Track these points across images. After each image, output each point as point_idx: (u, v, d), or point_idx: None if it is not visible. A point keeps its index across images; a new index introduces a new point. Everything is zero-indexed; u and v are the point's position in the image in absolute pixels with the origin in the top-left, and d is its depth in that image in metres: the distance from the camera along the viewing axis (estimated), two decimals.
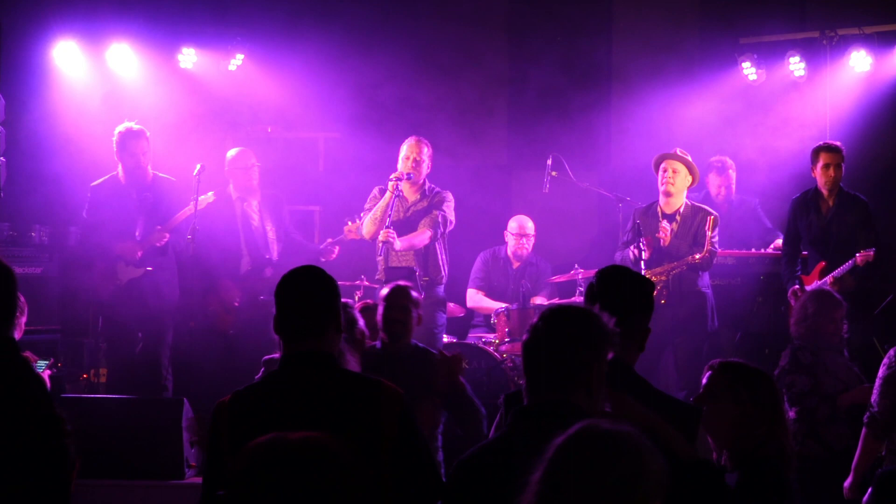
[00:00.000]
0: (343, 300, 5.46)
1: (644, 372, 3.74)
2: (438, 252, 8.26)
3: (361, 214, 8.24)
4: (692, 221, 8.04)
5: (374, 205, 8.26)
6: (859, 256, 7.69)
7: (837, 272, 7.76)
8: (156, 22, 9.53)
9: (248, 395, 3.44)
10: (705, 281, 8.04)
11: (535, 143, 10.07)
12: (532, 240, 9.16)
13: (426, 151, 8.26)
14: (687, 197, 8.22)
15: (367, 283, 8.50)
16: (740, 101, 9.81)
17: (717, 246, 7.94)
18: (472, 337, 8.82)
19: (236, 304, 8.22)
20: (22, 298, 5.78)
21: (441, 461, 5.98)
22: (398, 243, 8.04)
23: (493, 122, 10.66)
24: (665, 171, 8.07)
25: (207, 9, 9.90)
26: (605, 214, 9.43)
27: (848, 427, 6.14)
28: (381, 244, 8.01)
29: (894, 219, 8.94)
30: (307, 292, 3.48)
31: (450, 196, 8.34)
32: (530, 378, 3.01)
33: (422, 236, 8.18)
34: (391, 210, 8.07)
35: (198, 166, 8.10)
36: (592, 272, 7.99)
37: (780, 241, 8.54)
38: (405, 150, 8.25)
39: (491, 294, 9.09)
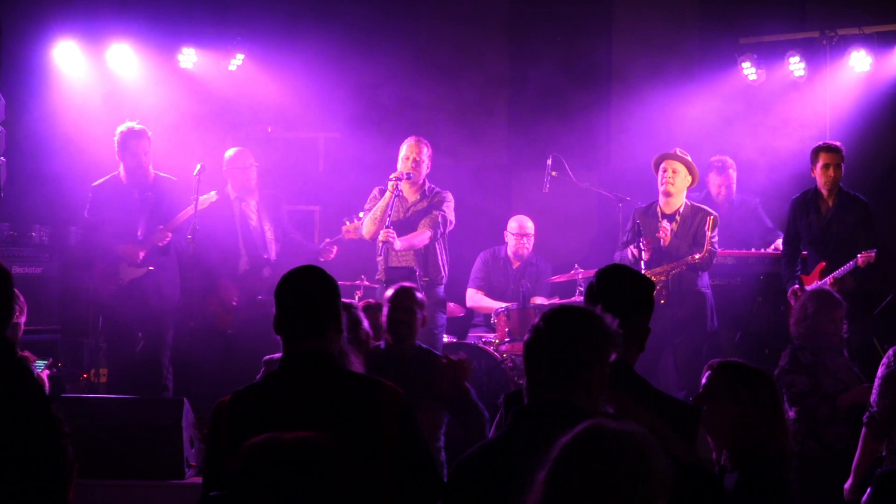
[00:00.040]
0: (347, 301, 5.49)
1: (644, 372, 3.74)
2: (438, 252, 8.27)
3: (360, 214, 8.23)
4: (692, 221, 8.04)
5: (374, 205, 8.26)
6: (861, 257, 7.68)
7: (838, 273, 7.76)
8: (156, 22, 9.53)
9: (248, 395, 3.44)
10: (705, 281, 8.04)
11: (535, 143, 10.07)
12: (532, 239, 9.17)
13: (426, 151, 8.26)
14: (687, 197, 8.22)
15: (367, 283, 8.51)
16: (740, 101, 9.81)
17: (716, 246, 7.94)
18: (472, 337, 8.82)
19: (234, 303, 8.22)
20: (21, 298, 5.78)
21: (443, 461, 5.99)
22: (398, 243, 8.04)
23: (493, 122, 10.66)
24: (665, 171, 8.07)
25: (207, 9, 9.90)
26: (605, 214, 9.43)
27: (848, 427, 6.14)
28: (380, 244, 8.02)
29: (894, 219, 8.94)
30: (307, 292, 3.48)
31: (450, 196, 8.34)
32: (531, 378, 3.02)
33: (422, 236, 8.18)
34: (391, 210, 8.08)
35: (198, 166, 8.10)
36: (592, 272, 7.98)
37: (780, 242, 8.55)
38: (405, 150, 8.26)
39: (491, 294, 9.10)
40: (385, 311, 6.11)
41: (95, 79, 9.62)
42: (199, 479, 6.43)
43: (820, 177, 7.97)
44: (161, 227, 8.02)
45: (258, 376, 5.09)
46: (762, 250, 8.71)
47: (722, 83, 9.88)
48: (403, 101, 9.83)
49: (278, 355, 3.53)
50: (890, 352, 5.49)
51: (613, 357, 3.03)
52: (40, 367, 6.10)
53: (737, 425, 3.58)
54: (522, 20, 10.69)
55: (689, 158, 8.10)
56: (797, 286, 7.92)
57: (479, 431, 5.76)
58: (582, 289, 8.36)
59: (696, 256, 7.81)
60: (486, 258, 9.23)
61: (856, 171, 8.50)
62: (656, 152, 8.20)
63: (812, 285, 7.62)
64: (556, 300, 8.71)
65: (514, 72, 10.68)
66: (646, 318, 3.72)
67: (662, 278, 7.78)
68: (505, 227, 9.26)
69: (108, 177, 8.22)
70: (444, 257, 8.32)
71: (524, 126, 10.52)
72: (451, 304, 8.72)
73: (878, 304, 8.41)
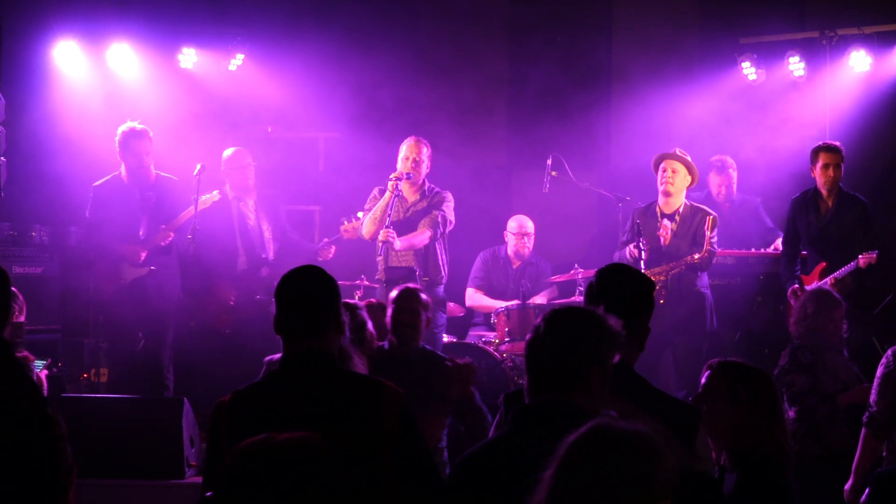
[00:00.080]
0: (352, 302, 5.50)
1: (644, 372, 3.74)
2: (438, 252, 8.27)
3: (359, 214, 8.23)
4: (691, 221, 8.04)
5: (374, 205, 8.27)
6: (862, 259, 7.68)
7: (839, 273, 7.76)
8: (156, 22, 9.53)
9: (248, 395, 3.45)
10: (704, 281, 8.05)
11: (535, 143, 10.08)
12: (532, 239, 9.17)
13: (425, 151, 8.26)
14: (687, 197, 8.23)
15: (367, 283, 8.51)
16: (740, 100, 9.81)
17: (715, 246, 7.94)
18: (472, 336, 8.83)
19: (232, 303, 8.22)
20: (21, 297, 5.79)
21: (445, 461, 5.99)
22: (398, 243, 8.05)
23: (493, 122, 10.67)
24: (664, 170, 8.08)
25: (207, 9, 9.91)
26: (605, 214, 9.43)
27: (847, 426, 6.14)
28: (380, 244, 8.02)
29: (894, 219, 8.94)
30: (307, 292, 3.48)
31: (449, 196, 8.35)
32: (531, 377, 3.03)
33: (421, 236, 8.18)
34: (391, 210, 8.08)
35: (198, 166, 8.11)
36: (592, 272, 7.98)
37: (780, 241, 8.55)
38: (404, 150, 8.26)
39: (491, 294, 9.10)
40: (389, 312, 6.11)
41: (96, 79, 9.62)
42: (199, 479, 6.44)
43: (819, 177, 7.98)
44: (163, 226, 8.03)
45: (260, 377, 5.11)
46: (762, 250, 8.71)
47: (722, 83, 9.89)
48: (403, 101, 9.83)
49: (280, 356, 3.54)
50: (889, 352, 5.49)
51: (617, 358, 3.04)
52: (39, 367, 6.10)
53: (736, 425, 3.58)
54: (522, 20, 10.69)
55: (689, 158, 8.11)
56: (797, 286, 7.92)
57: (481, 435, 5.76)
58: (582, 289, 8.36)
59: (696, 256, 7.81)
60: (486, 258, 9.24)
61: (856, 171, 8.50)
62: (656, 152, 8.20)
63: (812, 285, 7.62)
64: (556, 300, 8.72)
65: (513, 72, 10.68)
66: (646, 317, 3.72)
67: (662, 278, 7.78)
68: (505, 227, 9.26)
69: (109, 177, 8.23)
70: (444, 257, 8.33)
71: (524, 126, 10.52)
72: (451, 304, 8.73)
73: (878, 304, 8.42)
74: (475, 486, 2.99)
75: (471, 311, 9.22)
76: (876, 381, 5.51)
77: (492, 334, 8.65)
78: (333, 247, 8.31)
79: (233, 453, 2.28)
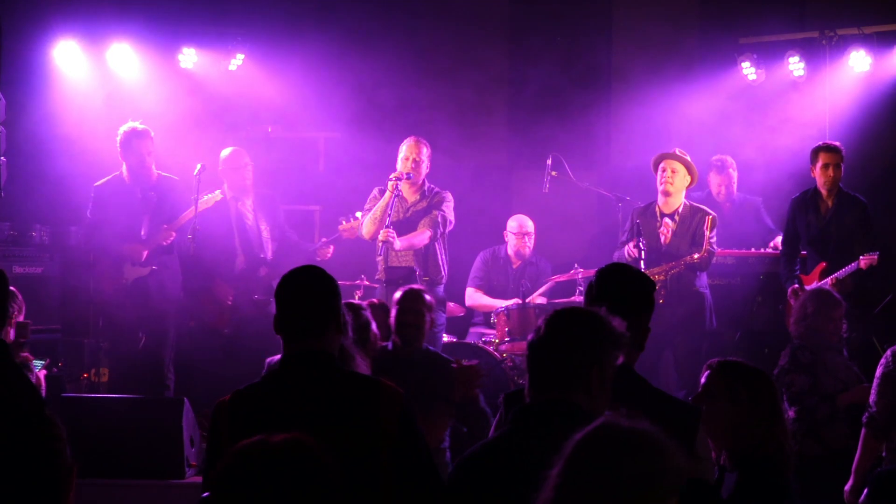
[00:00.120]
0: (357, 302, 5.50)
1: (644, 372, 3.74)
2: (438, 252, 8.28)
3: (357, 214, 8.23)
4: (691, 221, 8.05)
5: (374, 205, 8.27)
6: (863, 260, 7.67)
7: (839, 274, 7.76)
8: (156, 22, 9.53)
9: (248, 395, 3.45)
10: (703, 281, 8.05)
11: (535, 143, 10.08)
12: (533, 238, 9.17)
13: (425, 152, 8.27)
14: (687, 196, 8.23)
15: (367, 283, 8.52)
16: (740, 100, 9.81)
17: (715, 246, 7.94)
18: (472, 335, 8.83)
19: (229, 302, 8.22)
20: (20, 297, 5.79)
21: (448, 462, 5.99)
22: (398, 243, 8.05)
23: (493, 122, 10.67)
24: (664, 170, 8.08)
25: (207, 9, 9.90)
26: (605, 214, 9.43)
27: (847, 426, 6.14)
28: (380, 244, 8.03)
29: (894, 219, 8.94)
30: (307, 292, 3.49)
31: (449, 196, 8.35)
32: (532, 377, 3.04)
33: (421, 236, 8.19)
34: (391, 210, 8.09)
35: (198, 166, 8.11)
36: (592, 272, 7.98)
37: (779, 240, 8.56)
38: (404, 150, 8.27)
39: (491, 293, 9.10)
40: (393, 313, 6.12)
41: (96, 79, 9.63)
42: (199, 479, 6.45)
43: (819, 177, 7.98)
44: (165, 226, 8.03)
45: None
46: (762, 250, 8.71)
47: (722, 83, 9.89)
48: (403, 101, 9.84)
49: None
50: (888, 352, 5.49)
51: (621, 360, 3.06)
52: (38, 368, 6.10)
53: (736, 425, 3.58)
54: (522, 20, 10.70)
55: (689, 158, 8.11)
56: (797, 286, 7.92)
57: (484, 436, 5.76)
58: (582, 289, 8.36)
59: (695, 256, 7.82)
60: (486, 258, 9.24)
61: (855, 171, 8.51)
62: (656, 152, 8.20)
63: (812, 286, 7.62)
64: (556, 300, 8.72)
65: (513, 72, 10.68)
66: (646, 317, 3.73)
67: (661, 278, 7.78)
68: (505, 227, 9.26)
69: (110, 176, 8.23)
70: (444, 257, 8.33)
71: (524, 126, 10.53)
72: (450, 304, 8.74)
73: (878, 304, 8.42)
74: (475, 486, 3.00)
75: (471, 311, 9.22)
76: (875, 382, 5.51)
77: (491, 332, 8.66)
78: (332, 246, 8.32)
79: (228, 455, 2.28)
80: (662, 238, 7.98)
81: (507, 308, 8.42)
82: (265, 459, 2.22)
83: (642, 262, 7.63)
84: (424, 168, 8.27)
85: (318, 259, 8.14)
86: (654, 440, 2.23)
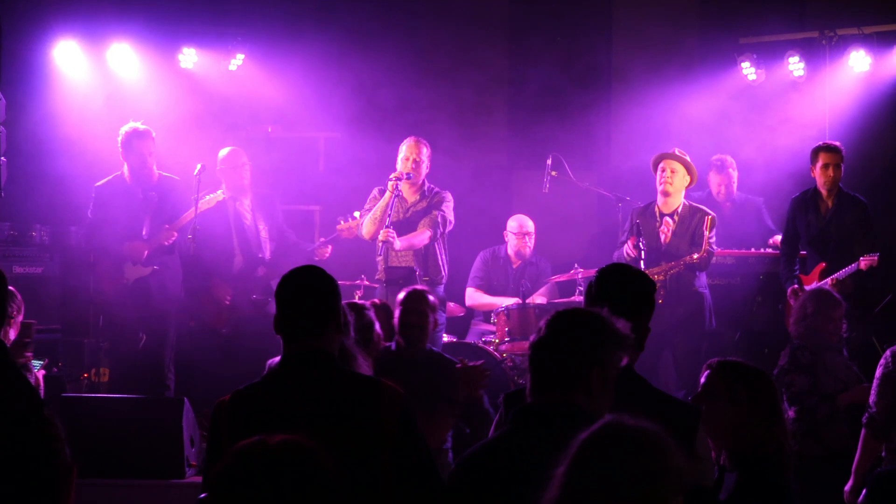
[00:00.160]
0: (360, 302, 5.50)
1: (644, 372, 3.74)
2: (438, 252, 8.28)
3: (355, 213, 8.23)
4: (690, 221, 8.05)
5: (374, 205, 8.28)
6: (863, 261, 7.67)
7: (839, 274, 7.76)
8: (156, 22, 9.53)
9: (248, 395, 3.45)
10: (702, 281, 8.05)
11: (535, 143, 10.08)
12: (533, 238, 9.17)
13: (425, 152, 8.27)
14: (688, 196, 8.24)
15: (367, 283, 8.52)
16: (740, 100, 9.81)
17: (714, 246, 7.94)
18: (473, 335, 8.84)
19: (227, 302, 8.23)
20: (19, 297, 5.78)
21: (450, 463, 5.99)
22: (398, 243, 8.06)
23: (493, 122, 10.67)
24: (663, 170, 8.08)
25: (207, 9, 9.91)
26: (605, 214, 9.43)
27: (847, 426, 6.14)
28: (380, 244, 8.03)
29: (894, 219, 8.94)
30: (307, 292, 3.49)
31: (449, 196, 8.36)
32: (533, 377, 3.05)
33: (421, 236, 8.19)
34: (391, 210, 8.09)
35: (198, 166, 8.12)
36: (592, 272, 8.00)
37: (778, 238, 8.57)
38: (404, 150, 8.27)
39: (491, 293, 9.10)
40: (397, 314, 6.12)
41: (96, 79, 9.63)
42: (199, 479, 6.45)
43: (819, 177, 7.98)
44: (166, 226, 8.03)
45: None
46: (762, 250, 8.71)
47: (722, 83, 9.89)
48: (403, 101, 9.84)
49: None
50: (888, 352, 5.49)
51: (624, 361, 3.06)
52: (37, 368, 6.11)
53: (735, 425, 3.58)
54: (522, 20, 10.70)
55: (688, 158, 8.11)
56: (796, 286, 7.92)
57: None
58: (582, 288, 8.36)
59: (695, 256, 7.82)
60: (486, 257, 9.24)
61: (855, 171, 8.51)
62: (656, 152, 8.21)
63: (812, 286, 7.62)
64: (556, 300, 8.72)
65: (513, 72, 10.68)
66: (646, 317, 3.73)
67: (661, 278, 7.78)
68: (505, 227, 9.26)
69: (111, 176, 8.23)
70: (444, 257, 8.34)
71: (524, 126, 10.53)
72: (450, 304, 8.74)
73: (878, 304, 8.42)
74: (475, 486, 3.00)
75: (471, 311, 9.22)
76: (875, 382, 5.51)
77: (491, 327, 8.66)
78: (330, 246, 8.32)
79: (226, 455, 2.29)
80: (662, 238, 7.98)
81: (507, 308, 8.42)
82: (263, 460, 2.23)
83: (642, 262, 7.63)
84: (424, 168, 8.27)
85: (317, 259, 8.14)
86: (659, 439, 2.25)
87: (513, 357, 8.12)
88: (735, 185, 9.10)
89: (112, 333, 8.35)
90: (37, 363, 6.13)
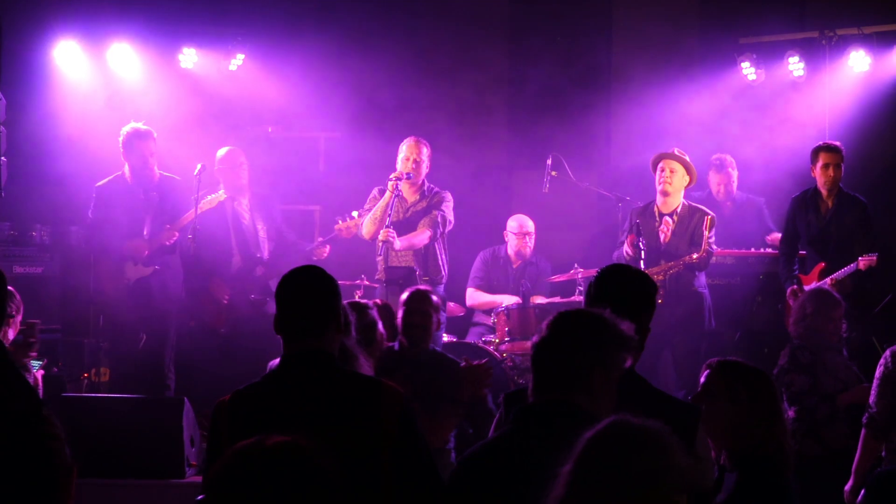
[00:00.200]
0: (363, 301, 5.50)
1: (644, 372, 3.74)
2: (438, 252, 8.28)
3: (353, 213, 8.23)
4: (689, 221, 8.05)
5: (374, 205, 8.28)
6: (862, 261, 7.67)
7: (838, 274, 7.76)
8: (156, 22, 9.54)
9: (248, 395, 3.45)
10: (702, 281, 8.06)
11: (535, 143, 10.08)
12: (533, 238, 9.17)
13: (425, 152, 8.28)
14: (689, 196, 8.24)
15: (367, 283, 8.52)
16: (740, 100, 9.81)
17: (713, 246, 7.94)
18: (473, 334, 8.83)
19: (225, 301, 8.23)
20: (18, 297, 5.79)
21: (453, 463, 5.99)
22: (398, 243, 8.06)
23: (493, 122, 10.67)
24: (663, 170, 8.08)
25: (207, 9, 9.91)
26: (605, 214, 9.43)
27: (847, 426, 6.15)
28: (380, 244, 8.03)
29: (894, 219, 8.94)
30: (307, 292, 3.49)
31: (449, 196, 8.36)
32: (535, 377, 3.06)
33: (421, 236, 8.20)
34: (391, 210, 8.09)
35: (199, 166, 8.12)
36: (592, 271, 8.02)
37: (775, 235, 8.58)
38: (405, 150, 8.27)
39: (490, 294, 9.09)
40: (400, 314, 6.11)
41: (96, 79, 9.63)
42: (199, 479, 6.45)
43: (820, 176, 7.98)
44: (167, 226, 8.03)
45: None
46: (762, 250, 8.72)
47: (721, 83, 9.89)
48: (403, 102, 9.84)
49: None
50: (887, 352, 5.49)
51: (629, 363, 3.07)
52: (36, 368, 6.11)
53: (735, 425, 3.59)
54: (522, 20, 10.70)
55: (688, 158, 8.11)
56: (795, 286, 7.92)
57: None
58: (582, 288, 8.37)
59: (694, 256, 7.82)
60: (486, 257, 9.24)
61: (855, 171, 8.51)
62: (656, 152, 8.21)
63: (811, 286, 7.63)
64: (556, 299, 8.72)
65: (513, 72, 10.68)
66: (646, 317, 3.73)
67: (660, 278, 7.78)
68: (505, 227, 9.26)
69: (111, 176, 8.23)
70: (444, 257, 8.34)
71: (524, 126, 10.53)
72: (450, 304, 8.74)
73: (878, 304, 8.42)
74: (476, 486, 3.01)
75: (470, 311, 9.22)
76: (875, 382, 5.51)
77: (492, 319, 8.66)
78: (328, 246, 8.31)
79: (224, 457, 2.29)
80: (661, 237, 7.98)
81: (507, 308, 8.42)
82: (261, 461, 2.23)
83: (642, 262, 7.63)
84: (424, 168, 8.28)
85: (315, 259, 8.13)
86: (664, 438, 2.28)
87: (513, 357, 8.12)
88: (735, 185, 9.10)
89: (112, 333, 8.35)
90: (36, 363, 6.13)
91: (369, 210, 8.29)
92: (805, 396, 6.25)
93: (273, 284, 7.65)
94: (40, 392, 6.00)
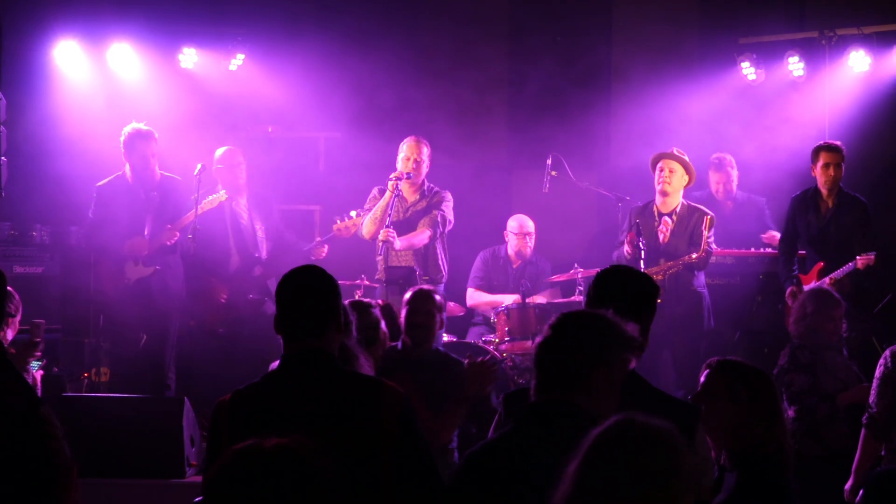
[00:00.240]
0: (366, 300, 5.49)
1: (643, 372, 3.74)
2: (438, 251, 8.29)
3: (352, 213, 8.23)
4: (688, 221, 8.05)
5: (374, 205, 8.28)
6: (860, 260, 7.67)
7: (836, 274, 7.76)
8: (156, 22, 9.54)
9: (249, 395, 3.45)
10: (701, 280, 8.06)
11: (535, 143, 10.08)
12: (533, 238, 9.17)
13: (426, 151, 8.28)
14: (689, 196, 8.25)
15: (367, 283, 8.52)
16: (740, 100, 9.81)
17: (713, 246, 7.95)
18: (473, 335, 8.83)
19: (223, 301, 8.23)
20: (17, 297, 5.79)
21: (456, 462, 5.98)
22: (398, 243, 8.06)
23: (493, 122, 10.67)
24: (662, 170, 8.09)
25: (207, 9, 9.92)
26: (605, 214, 9.44)
27: (847, 426, 6.15)
28: (380, 244, 8.04)
29: (894, 219, 8.94)
30: (307, 292, 3.49)
31: (449, 195, 8.36)
32: (537, 377, 3.07)
33: (421, 236, 8.20)
34: (391, 210, 8.09)
35: (199, 166, 8.13)
36: (592, 271, 8.03)
37: (771, 233, 8.58)
38: (405, 150, 8.27)
39: (491, 293, 9.09)
40: (404, 313, 6.11)
41: (96, 79, 9.63)
42: (199, 479, 6.45)
43: (820, 176, 7.98)
44: (168, 226, 8.03)
45: None
46: (762, 249, 8.72)
47: (721, 83, 9.89)
48: (403, 101, 9.84)
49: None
50: (887, 352, 5.49)
51: (633, 364, 3.08)
52: (35, 368, 6.11)
53: (735, 424, 3.59)
54: (522, 20, 10.70)
55: (687, 158, 8.12)
56: (795, 287, 7.92)
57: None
58: (581, 288, 8.37)
59: (693, 256, 7.82)
60: (486, 257, 9.24)
61: (855, 171, 8.50)
62: (656, 152, 8.21)
63: (810, 285, 7.63)
64: (556, 299, 8.72)
65: (513, 72, 10.68)
66: (647, 318, 3.73)
67: (659, 278, 7.78)
68: (505, 227, 9.26)
69: (112, 176, 8.24)
70: (444, 256, 8.34)
71: (524, 126, 10.53)
72: (450, 304, 8.73)
73: (877, 304, 8.42)
74: (476, 486, 3.01)
75: (470, 311, 9.22)
76: (875, 382, 5.51)
77: (492, 319, 8.66)
78: (326, 246, 8.31)
79: (221, 458, 2.29)
80: (660, 237, 7.99)
81: (507, 308, 8.42)
82: (259, 463, 2.23)
83: (642, 262, 7.63)
84: (425, 168, 8.28)
85: (313, 259, 8.13)
86: (673, 437, 2.28)
87: (513, 357, 8.12)
88: (734, 184, 9.09)
89: (113, 333, 8.36)
90: (35, 364, 6.13)
91: (369, 210, 8.29)
92: (805, 396, 6.25)
93: (271, 284, 7.65)
94: (38, 392, 6.01)
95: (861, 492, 3.87)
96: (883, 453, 5.50)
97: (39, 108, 9.32)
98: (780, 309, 8.25)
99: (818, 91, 9.58)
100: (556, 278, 8.90)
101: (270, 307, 8.21)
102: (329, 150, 10.38)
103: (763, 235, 8.74)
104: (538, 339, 3.09)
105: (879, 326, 8.20)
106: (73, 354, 8.84)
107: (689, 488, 2.25)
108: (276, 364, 5.04)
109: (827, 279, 7.73)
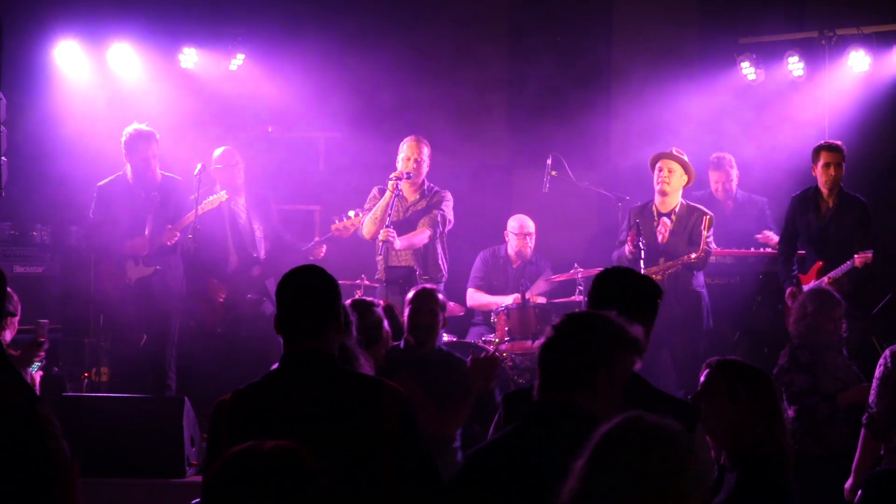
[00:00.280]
0: (369, 300, 5.49)
1: (643, 372, 3.75)
2: (438, 251, 8.29)
3: (350, 213, 8.23)
4: (688, 221, 8.06)
5: (374, 205, 8.29)
6: (857, 258, 7.68)
7: (835, 273, 7.76)
8: (156, 22, 9.54)
9: (249, 395, 3.45)
10: (700, 280, 8.07)
11: (535, 143, 10.08)
12: (534, 238, 9.17)
13: (426, 151, 8.29)
14: (689, 195, 8.25)
15: (367, 283, 8.52)
16: (739, 100, 9.82)
17: (712, 245, 7.95)
18: (472, 335, 8.83)
19: (221, 300, 8.23)
20: (15, 297, 5.79)
21: (460, 461, 5.98)
22: (398, 243, 8.07)
23: (493, 122, 10.67)
24: (661, 170, 8.10)
25: (207, 9, 9.92)
26: (605, 213, 9.44)
27: (847, 426, 6.15)
28: (380, 244, 8.04)
29: (894, 219, 8.94)
30: (307, 292, 3.49)
31: (449, 195, 8.37)
32: (540, 377, 3.08)
33: (421, 235, 8.20)
34: (391, 210, 8.10)
35: (198, 166, 8.13)
36: (592, 271, 8.03)
37: (768, 233, 8.59)
38: (405, 150, 8.28)
39: (491, 293, 9.10)
40: (407, 312, 6.11)
41: (96, 79, 9.64)
42: (199, 478, 6.45)
43: (820, 175, 7.98)
44: (169, 226, 8.03)
45: None
46: (761, 249, 8.72)
47: (721, 83, 9.89)
48: (403, 101, 9.84)
49: None
50: (887, 352, 5.49)
51: (638, 365, 3.08)
52: (34, 369, 6.12)
53: (735, 424, 3.59)
54: (522, 20, 10.70)
55: (686, 158, 8.12)
56: (794, 287, 7.92)
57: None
58: (581, 288, 8.37)
59: (692, 256, 7.83)
60: (486, 257, 9.24)
61: (855, 171, 8.50)
62: (655, 152, 8.22)
63: (809, 285, 7.63)
64: (556, 299, 8.73)
65: (513, 72, 10.69)
66: (648, 319, 3.73)
67: (659, 277, 7.78)
68: (505, 227, 9.26)
69: (113, 176, 8.24)
70: (444, 256, 8.34)
71: (524, 126, 10.53)
72: (450, 304, 8.72)
73: (877, 304, 8.42)
74: (477, 485, 3.02)
75: (470, 311, 9.22)
76: (874, 382, 5.51)
77: (492, 319, 8.66)
78: (324, 246, 8.31)
79: (220, 460, 2.30)
80: (660, 237, 7.99)
81: (507, 308, 8.42)
82: (256, 466, 2.23)
83: (642, 262, 7.64)
84: (425, 167, 8.29)
85: (312, 258, 8.14)
86: (681, 436, 2.29)
87: (513, 357, 8.12)
88: (734, 183, 9.09)
89: (113, 333, 8.36)
90: (34, 365, 6.14)
91: (369, 210, 8.29)
92: (805, 396, 6.25)
93: (269, 284, 7.63)
94: (37, 392, 6.01)
95: (860, 492, 3.86)
96: (883, 453, 5.50)
97: (40, 108, 9.33)
98: (779, 309, 8.25)
99: (818, 91, 9.59)
100: (556, 278, 8.90)
101: (269, 307, 8.22)
102: (329, 150, 10.38)
103: (758, 235, 8.74)
104: (542, 340, 3.10)
105: (879, 326, 8.20)
106: (73, 354, 8.84)
107: (696, 488, 2.26)
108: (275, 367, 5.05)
109: (825, 278, 7.73)
